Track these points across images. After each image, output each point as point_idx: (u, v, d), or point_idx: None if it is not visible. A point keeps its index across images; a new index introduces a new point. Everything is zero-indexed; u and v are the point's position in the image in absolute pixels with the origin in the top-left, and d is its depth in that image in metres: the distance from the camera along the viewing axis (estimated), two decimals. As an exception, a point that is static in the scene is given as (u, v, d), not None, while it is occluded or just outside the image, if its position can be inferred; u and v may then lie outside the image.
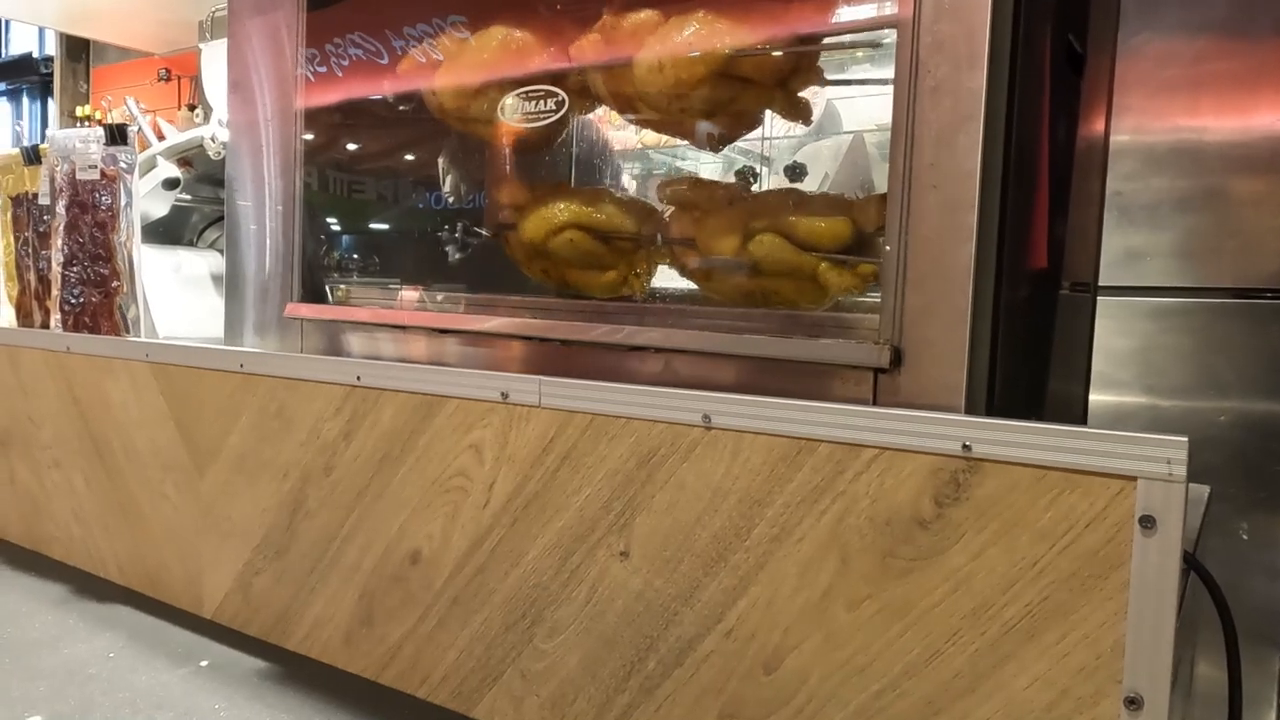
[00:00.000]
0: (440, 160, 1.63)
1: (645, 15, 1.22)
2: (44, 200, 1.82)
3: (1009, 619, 0.83)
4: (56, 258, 1.77)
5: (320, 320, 1.46)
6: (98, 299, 1.71)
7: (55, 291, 1.78)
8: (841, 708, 0.92)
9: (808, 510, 0.94)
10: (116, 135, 1.67)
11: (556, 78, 1.31)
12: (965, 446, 0.84)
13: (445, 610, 1.22)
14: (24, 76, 8.28)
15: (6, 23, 8.31)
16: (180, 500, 1.55)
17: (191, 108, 6.57)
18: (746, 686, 0.98)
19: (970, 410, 0.92)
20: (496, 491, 1.17)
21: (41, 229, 1.83)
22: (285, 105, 1.52)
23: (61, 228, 1.76)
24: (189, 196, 1.91)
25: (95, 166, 1.69)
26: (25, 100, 8.37)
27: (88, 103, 7.73)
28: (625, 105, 1.32)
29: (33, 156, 1.84)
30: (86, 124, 7.41)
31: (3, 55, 8.38)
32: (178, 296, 1.79)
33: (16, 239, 1.90)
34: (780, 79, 1.17)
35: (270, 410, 1.41)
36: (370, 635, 1.31)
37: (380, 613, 1.29)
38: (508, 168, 1.51)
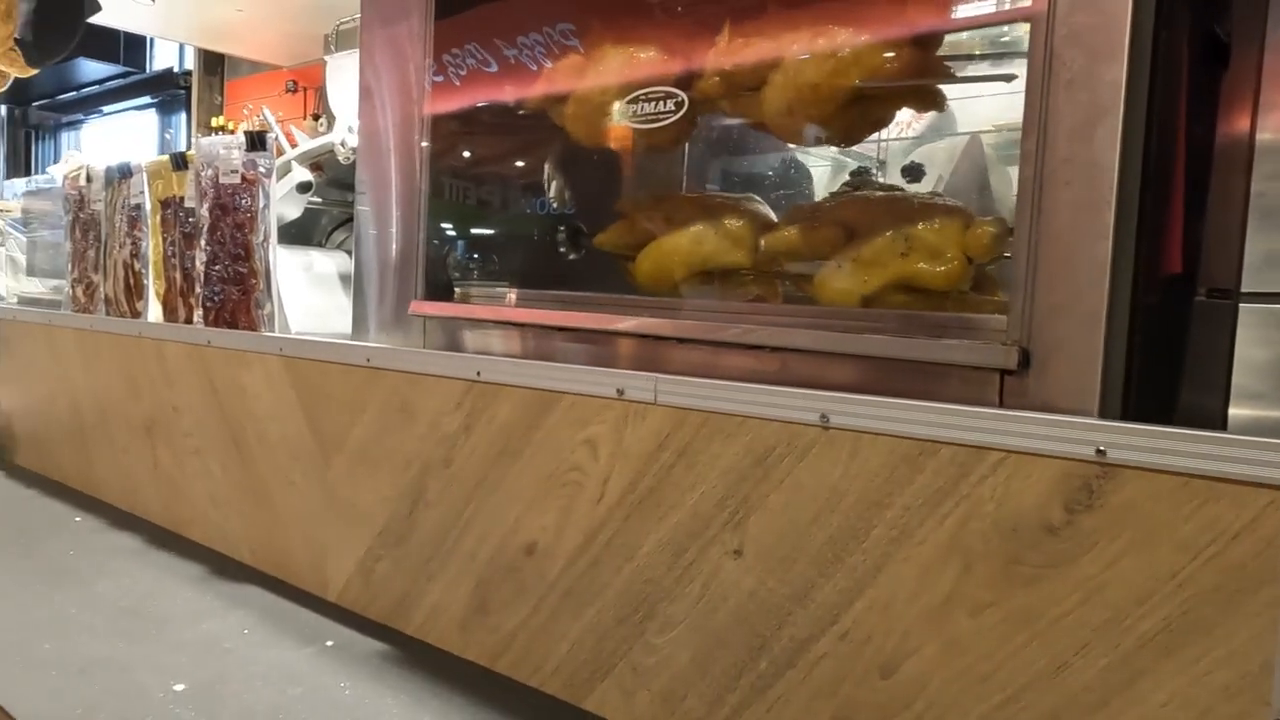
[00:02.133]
0: (551, 166, 1.67)
1: (765, 48, 1.22)
2: (190, 203, 1.94)
3: (1145, 632, 0.79)
4: (200, 257, 1.88)
5: (442, 317, 1.51)
6: (236, 296, 1.82)
7: (198, 289, 1.89)
8: (961, 717, 0.90)
9: (929, 514, 0.92)
10: (256, 142, 1.77)
11: (679, 82, 1.33)
12: (1100, 451, 0.81)
13: (559, 602, 1.25)
14: (166, 90, 8.84)
15: (150, 40, 8.88)
16: (307, 488, 1.63)
17: (315, 117, 6.88)
18: (861, 690, 0.97)
19: (1104, 415, 0.89)
20: (611, 487, 1.18)
21: (187, 230, 1.95)
22: (410, 112, 1.58)
23: (205, 229, 1.87)
24: (320, 200, 2.00)
25: (236, 171, 1.80)
26: (168, 112, 8.94)
27: (222, 114, 8.19)
28: (751, 123, 1.33)
29: (180, 163, 1.97)
30: (220, 133, 7.82)
31: (148, 70, 8.96)
32: (308, 294, 1.89)
33: (165, 239, 2.03)
34: (909, 85, 1.15)
35: (394, 403, 1.46)
36: (485, 624, 1.34)
37: (495, 602, 1.33)
38: (625, 183, 1.54)
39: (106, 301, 2.22)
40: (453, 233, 1.59)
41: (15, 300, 2.83)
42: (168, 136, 8.49)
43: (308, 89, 7.58)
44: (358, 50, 1.72)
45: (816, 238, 1.26)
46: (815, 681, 1.01)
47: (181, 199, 1.97)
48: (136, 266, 2.11)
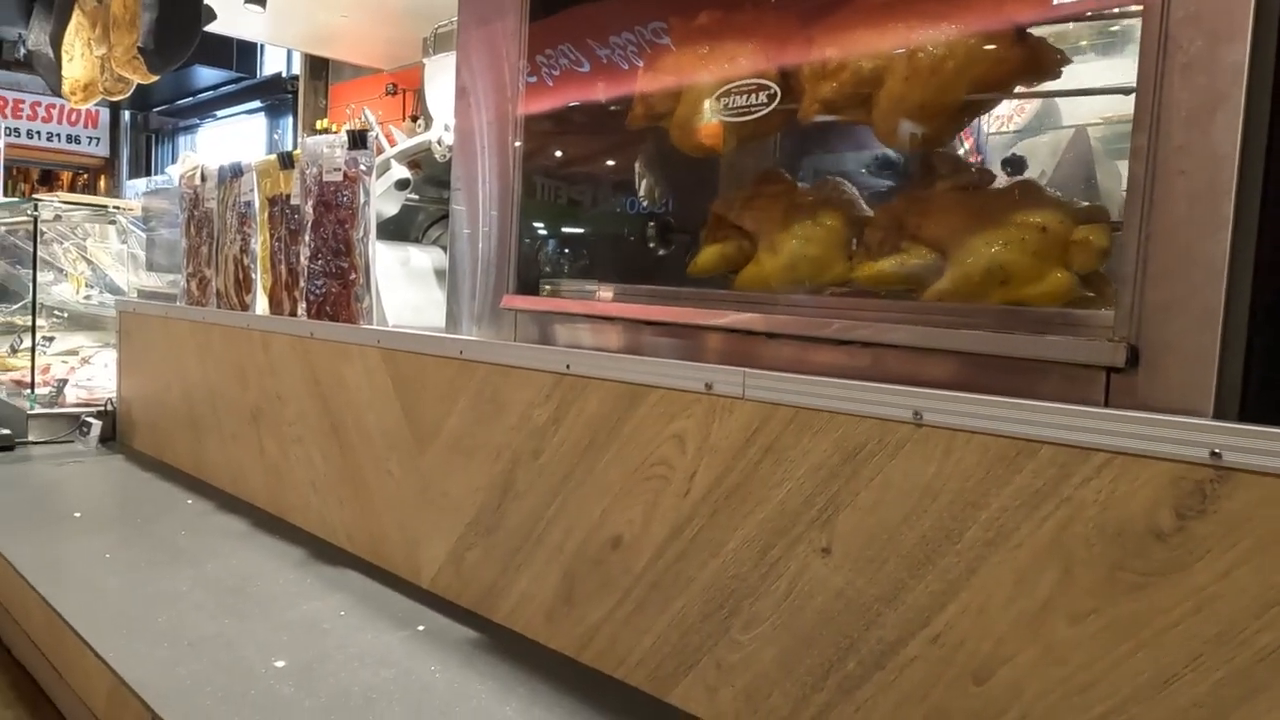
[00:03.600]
0: (642, 163, 1.68)
1: (874, 67, 1.19)
2: (295, 200, 2.02)
3: (1263, 647, 0.75)
4: (303, 252, 1.96)
5: (532, 311, 1.53)
6: (337, 289, 1.88)
7: (301, 283, 1.97)
8: (1059, 727, 0.87)
9: (1027, 515, 0.89)
10: (357, 140, 1.83)
11: (772, 75, 1.31)
12: (1214, 454, 0.77)
13: (644, 595, 1.25)
14: (274, 94, 9.21)
15: (261, 47, 9.28)
16: (402, 476, 1.68)
17: (414, 118, 7.08)
18: (953, 696, 0.94)
19: (1219, 417, 0.84)
20: (697, 481, 1.18)
21: (292, 226, 2.03)
22: (504, 111, 1.60)
23: (308, 225, 1.94)
24: (417, 197, 2.06)
25: (339, 169, 1.86)
26: (276, 116, 9.32)
27: (326, 116, 8.49)
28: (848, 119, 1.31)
29: (287, 162, 2.05)
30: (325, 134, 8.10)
31: (258, 76, 9.37)
32: (405, 289, 1.94)
33: (272, 236, 2.12)
34: (1017, 75, 1.11)
35: (486, 395, 1.49)
36: (571, 615, 1.36)
37: (581, 593, 1.34)
38: (715, 178, 1.53)
39: (218, 295, 2.32)
40: (544, 229, 1.61)
41: (135, 294, 3.00)
42: (275, 138, 8.86)
43: (406, 91, 7.80)
44: (454, 52, 1.76)
45: (909, 266, 1.22)
46: (905, 685, 0.98)
47: (288, 196, 2.05)
48: (245, 261, 2.21)
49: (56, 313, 5.33)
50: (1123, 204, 0.92)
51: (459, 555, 1.56)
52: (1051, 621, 0.87)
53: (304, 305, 1.97)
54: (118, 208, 2.76)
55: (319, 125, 8.33)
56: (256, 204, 2.17)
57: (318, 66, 8.60)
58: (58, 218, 2.75)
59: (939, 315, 1.09)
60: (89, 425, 2.71)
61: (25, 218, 2.78)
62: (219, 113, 10.22)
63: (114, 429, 2.78)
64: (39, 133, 10.85)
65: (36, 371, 3.21)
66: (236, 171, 2.23)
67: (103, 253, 4.64)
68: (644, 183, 1.64)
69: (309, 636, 1.41)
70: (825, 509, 1.05)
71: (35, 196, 2.54)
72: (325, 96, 8.72)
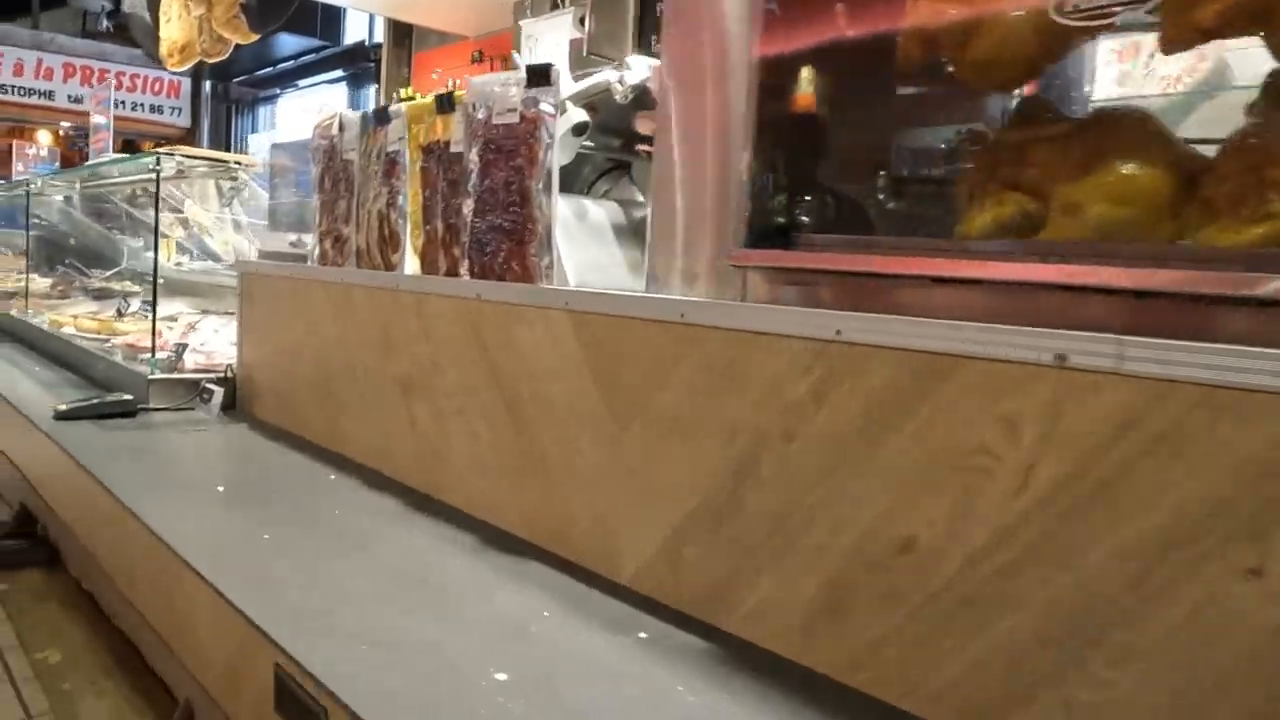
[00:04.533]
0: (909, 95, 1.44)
1: None
2: (456, 148, 1.82)
3: None
4: (467, 205, 1.76)
5: (774, 269, 1.31)
6: (509, 247, 1.68)
7: (463, 239, 1.77)
8: None
9: None
10: (538, 77, 1.61)
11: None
12: None
13: (949, 611, 1.02)
14: (356, 63, 9.12)
15: (343, 15, 9.18)
16: (596, 456, 1.47)
17: (503, 86, 6.89)
18: None
19: None
20: (1038, 477, 0.95)
21: (452, 177, 1.83)
22: (731, 40, 1.37)
23: (473, 175, 1.74)
24: (592, 144, 1.85)
25: (514, 110, 1.65)
26: (358, 85, 9.24)
27: (409, 85, 8.36)
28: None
29: (446, 105, 1.85)
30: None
31: (340, 45, 9.28)
32: (585, 246, 1.73)
33: (424, 188, 1.92)
34: None
35: (716, 365, 1.27)
36: (836, 629, 1.14)
37: (852, 604, 1.12)
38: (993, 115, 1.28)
39: (358, 254, 2.14)
40: (782, 174, 1.38)
41: (256, 255, 2.85)
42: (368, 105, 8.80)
43: (494, 59, 7.62)
44: (554, 15, 1.53)
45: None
46: (1388, 755, 0.75)
47: (446, 144, 1.85)
48: (392, 217, 2.02)
49: (148, 278, 5.28)
50: None
51: (673, 550, 1.35)
52: None
53: (466, 264, 1.77)
54: (239, 163, 2.59)
55: (403, 94, 8.21)
56: (406, 153, 1.98)
57: (401, 34, 8.46)
58: (181, 173, 2.60)
59: None
60: (210, 392, 2.57)
61: (147, 175, 2.64)
62: (300, 82, 10.18)
63: (233, 396, 2.64)
64: (123, 102, 10.92)
65: (150, 336, 3.10)
66: (382, 118, 2.04)
67: (202, 215, 4.54)
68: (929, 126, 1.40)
69: (521, 643, 1.21)
70: (1257, 519, 0.81)
71: (156, 150, 2.39)
72: (409, 65, 8.59)
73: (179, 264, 5.19)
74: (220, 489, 1.83)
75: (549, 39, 5.00)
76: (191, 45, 4.76)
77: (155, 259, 2.64)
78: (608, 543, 1.46)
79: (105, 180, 3.31)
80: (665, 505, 1.35)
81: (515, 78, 1.67)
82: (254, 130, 10.86)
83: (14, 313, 4.27)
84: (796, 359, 1.17)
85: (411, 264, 1.98)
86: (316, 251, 2.31)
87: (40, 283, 4.86)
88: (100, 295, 4.88)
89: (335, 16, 9.13)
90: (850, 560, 1.12)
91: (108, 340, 3.31)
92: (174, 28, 4.84)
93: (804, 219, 1.38)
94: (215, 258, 4.64)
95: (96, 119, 4.24)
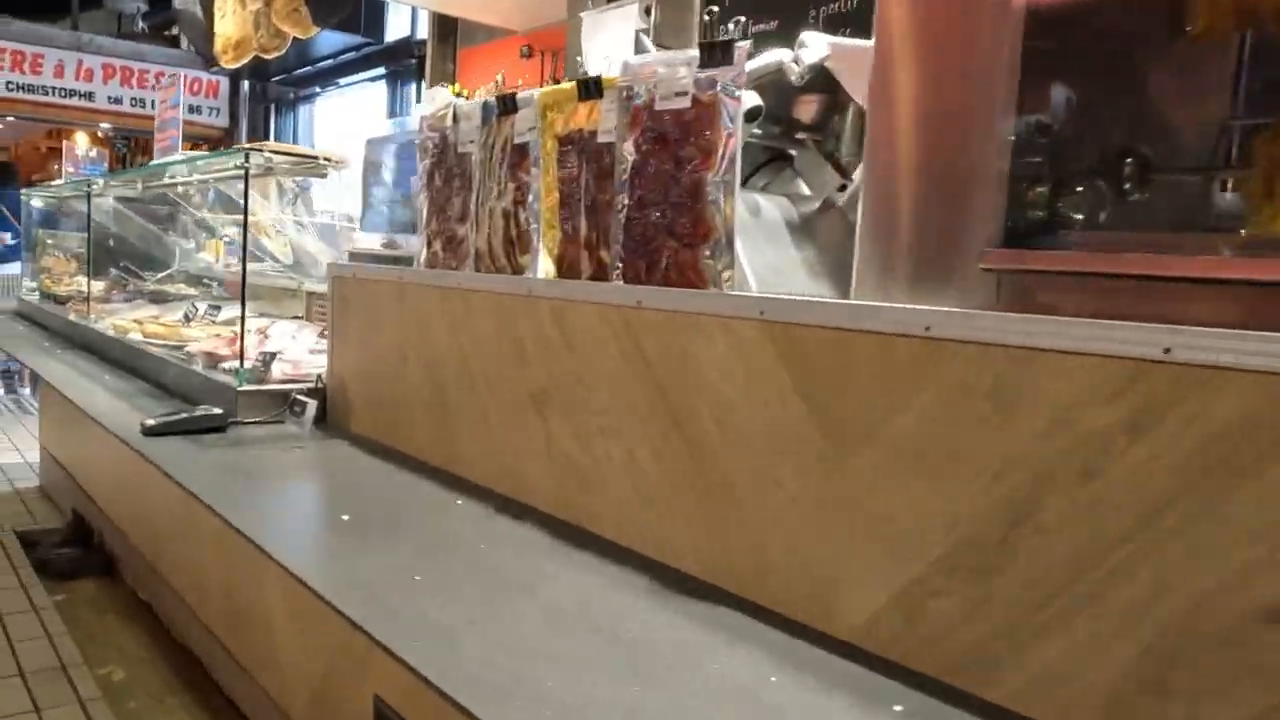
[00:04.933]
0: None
1: None
2: (605, 138, 1.63)
3: None
4: (621, 201, 1.57)
5: (1039, 272, 1.11)
6: (676, 248, 1.49)
7: (617, 239, 1.58)
8: None
9: None
10: (718, 54, 1.42)
11: None
12: None
13: (1349, 703, 0.82)
14: (399, 61, 8.96)
15: (385, 9, 9.03)
16: (801, 489, 1.28)
17: (556, 81, 6.73)
18: None
19: None
20: None
21: (598, 171, 1.64)
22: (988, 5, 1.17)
23: (629, 167, 1.55)
24: (759, 132, 1.66)
25: (685, 93, 1.46)
26: (399, 84, 9.09)
27: (455, 82, 8.20)
28: None
29: (591, 89, 1.66)
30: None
31: (382, 42, 9.12)
32: (756, 246, 1.54)
33: (562, 183, 1.74)
34: None
35: (977, 388, 1.08)
36: (1163, 711, 0.94)
37: (1186, 683, 0.92)
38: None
39: (477, 256, 1.96)
40: (1048, 158, 1.19)
41: (346, 257, 2.67)
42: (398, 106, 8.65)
43: (544, 53, 7.45)
44: (617, 5, 1.33)
45: None
46: None
47: (592, 133, 1.66)
48: (521, 216, 1.83)
49: (204, 280, 5.15)
50: None
51: (915, 602, 1.15)
52: None
53: (619, 268, 1.59)
54: (329, 159, 2.42)
55: (451, 90, 8.06)
56: (539, 145, 1.79)
57: (446, 29, 8.31)
58: (269, 170, 2.43)
59: None
60: (302, 405, 2.40)
61: (233, 171, 2.47)
62: (340, 80, 10.04)
63: (323, 409, 2.46)
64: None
65: (227, 343, 2.94)
66: (508, 106, 1.86)
67: (281, 217, 4.39)
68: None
69: (759, 717, 1.02)
70: None
71: (244, 145, 2.22)
72: (453, 61, 8.44)
73: (228, 265, 5.05)
74: (345, 517, 1.65)
75: (612, 31, 4.82)
76: (247, 40, 4.62)
77: (244, 261, 2.47)
78: (819, 589, 1.26)
79: (176, 180, 3.15)
80: (902, 549, 1.16)
81: (685, 57, 1.47)
82: (294, 131, 10.74)
83: (73, 317, 4.13)
84: (1100, 382, 0.97)
85: (544, 267, 1.80)
86: (424, 254, 2.13)
87: (94, 286, 4.73)
88: (156, 298, 4.75)
89: (378, 12, 8.98)
90: (1184, 628, 0.92)
91: (180, 346, 3.16)
92: (229, 23, 4.69)
93: (1070, 213, 1.17)
94: (271, 260, 4.50)
95: (165, 115, 4.09)
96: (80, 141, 10.10)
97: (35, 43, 10.04)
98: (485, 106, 1.92)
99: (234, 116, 11.12)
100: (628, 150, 1.57)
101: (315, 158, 2.42)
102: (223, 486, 1.85)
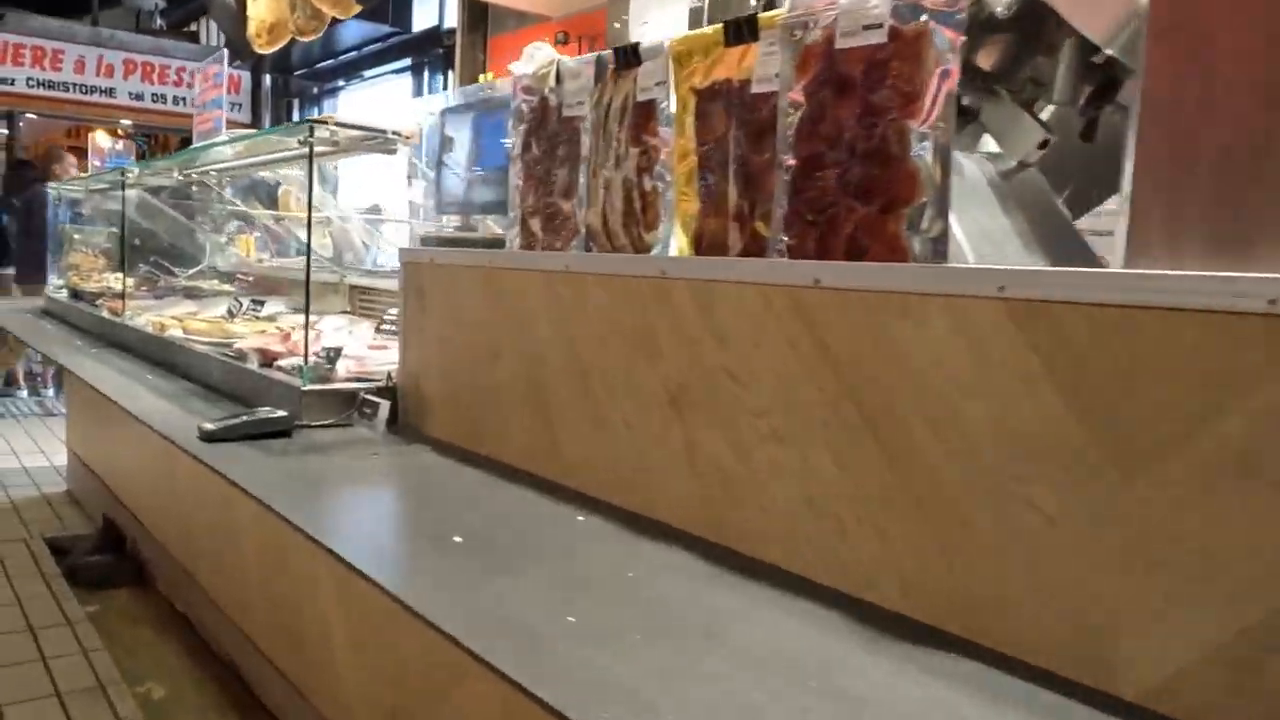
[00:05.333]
0: None
1: None
2: (762, 87, 1.37)
3: None
4: (786, 160, 1.31)
5: None
6: (864, 213, 1.23)
7: (780, 204, 1.32)
8: None
9: None
10: (924, -23, 1.16)
11: None
12: None
13: None
14: (427, 51, 8.72)
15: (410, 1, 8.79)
16: (1062, 509, 1.02)
17: (596, 67, 6.45)
18: None
19: None
20: None
21: (754, 127, 1.38)
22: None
23: (798, 120, 1.29)
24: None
25: (878, 25, 1.20)
26: (425, 74, 8.84)
27: (485, 72, 7.95)
28: None
29: (745, 31, 1.40)
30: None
31: (409, 31, 8.88)
32: (965, 212, 1.28)
33: (702, 144, 1.48)
34: None
35: (1356, 380, 0.81)
36: None
37: None
38: None
39: (589, 235, 1.70)
40: None
41: (418, 240, 2.42)
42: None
43: (582, 39, 7.19)
44: None
45: None
46: None
47: (742, 83, 1.41)
48: (646, 184, 1.58)
49: (239, 275, 4.91)
50: None
51: (1249, 661, 0.89)
52: None
53: (783, 240, 1.33)
54: (398, 133, 2.17)
55: (481, 80, 7.81)
56: (672, 101, 1.53)
57: (476, 17, 8.06)
58: (337, 146, 2.19)
59: None
60: (374, 405, 2.15)
61: (294, 149, 2.23)
62: (365, 73, 9.81)
63: (395, 410, 2.21)
64: (183, 99, 10.62)
65: (280, 339, 2.70)
66: (627, 59, 1.60)
67: (293, 202, 4.14)
68: None
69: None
70: None
71: (310, 119, 1.97)
72: (484, 51, 8.19)
73: (260, 260, 4.82)
74: (458, 539, 1.40)
75: (665, 10, 4.56)
76: (282, 24, 4.38)
77: (308, 243, 2.22)
78: (1087, 636, 1.00)
79: (224, 163, 2.91)
80: (1224, 588, 0.90)
81: (874, -18, 1.21)
82: (318, 124, 10.52)
83: (106, 314, 3.91)
84: None
85: (678, 244, 1.54)
86: (518, 235, 1.88)
87: (126, 282, 4.51)
88: (191, 294, 4.53)
89: (405, 3, 8.74)
90: None
91: (227, 343, 2.92)
92: (263, 6, 4.45)
93: None
94: (289, 253, 4.26)
95: (207, 95, 3.86)
96: (100, 141, 9.91)
97: (55, 38, 9.86)
98: (599, 61, 1.67)
99: (256, 111, 10.91)
100: (791, 102, 1.31)
101: (383, 131, 2.17)
102: (303, 500, 1.61)
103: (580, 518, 1.54)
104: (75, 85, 9.94)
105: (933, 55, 1.16)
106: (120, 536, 3.94)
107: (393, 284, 3.20)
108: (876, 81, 1.21)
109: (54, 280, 5.27)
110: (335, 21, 6.57)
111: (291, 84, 10.92)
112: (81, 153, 7.32)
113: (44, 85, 9.76)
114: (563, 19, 7.46)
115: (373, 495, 1.70)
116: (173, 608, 3.40)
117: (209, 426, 1.99)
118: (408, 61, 9.05)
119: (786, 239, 1.32)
